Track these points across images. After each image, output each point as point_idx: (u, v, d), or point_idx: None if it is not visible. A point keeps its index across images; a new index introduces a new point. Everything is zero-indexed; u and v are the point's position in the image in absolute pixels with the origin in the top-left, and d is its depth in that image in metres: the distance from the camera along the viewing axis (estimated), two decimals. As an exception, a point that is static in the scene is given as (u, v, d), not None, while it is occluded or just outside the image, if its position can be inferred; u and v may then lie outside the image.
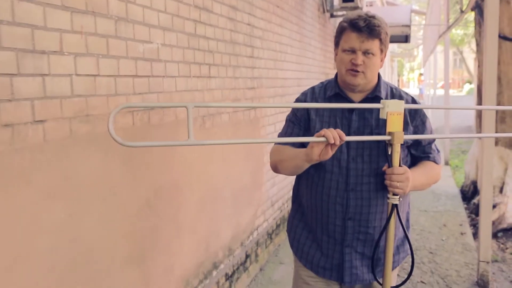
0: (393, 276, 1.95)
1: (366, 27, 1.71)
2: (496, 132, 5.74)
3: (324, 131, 1.56)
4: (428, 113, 19.30)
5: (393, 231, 1.73)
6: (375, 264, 1.88)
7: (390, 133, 1.64)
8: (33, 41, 1.67)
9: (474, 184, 6.61)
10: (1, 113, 1.55)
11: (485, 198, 3.86)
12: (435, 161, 1.94)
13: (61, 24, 1.80)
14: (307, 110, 1.91)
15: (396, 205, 1.70)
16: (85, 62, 1.93)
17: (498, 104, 5.80)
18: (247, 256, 3.80)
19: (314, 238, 1.96)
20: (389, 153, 1.67)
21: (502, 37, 5.65)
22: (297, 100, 2.03)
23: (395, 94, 1.91)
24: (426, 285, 3.92)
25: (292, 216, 2.09)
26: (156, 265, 2.50)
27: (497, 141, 5.91)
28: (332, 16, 7.09)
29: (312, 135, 1.77)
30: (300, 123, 1.93)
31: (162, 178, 2.55)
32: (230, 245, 3.50)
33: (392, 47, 23.85)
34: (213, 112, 3.11)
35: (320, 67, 6.39)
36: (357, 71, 1.76)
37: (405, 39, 8.66)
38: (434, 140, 1.96)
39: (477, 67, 6.93)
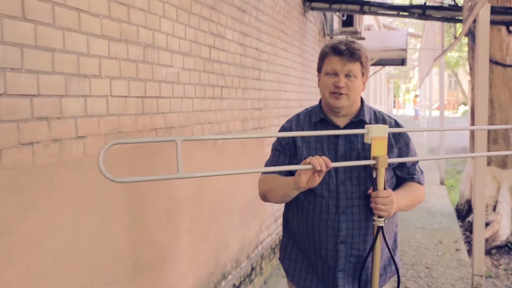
0: None
1: (347, 51, 1.78)
2: (489, 151, 6.00)
3: (310, 158, 1.61)
4: (424, 134, 19.62)
5: (379, 253, 1.77)
6: (364, 285, 1.90)
7: (374, 157, 1.68)
8: (78, 66, 1.89)
9: (469, 202, 6.83)
10: (51, 129, 1.76)
11: (478, 215, 4.07)
12: (419, 182, 1.98)
13: (100, 51, 2.03)
14: (293, 137, 1.93)
15: (381, 227, 1.74)
16: (118, 84, 2.15)
17: (491, 124, 6.06)
18: (252, 269, 3.98)
19: (309, 263, 1.96)
20: (374, 176, 1.72)
21: (494, 62, 5.94)
22: (283, 128, 2.06)
23: (378, 117, 1.95)
24: (423, 298, 4.10)
25: (285, 243, 2.08)
26: (174, 272, 2.70)
27: (490, 161, 6.16)
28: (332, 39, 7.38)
29: (299, 162, 1.78)
30: (285, 151, 1.95)
31: (180, 191, 2.75)
32: (238, 257, 3.68)
33: (389, 69, 24.27)
34: (224, 131, 3.33)
35: (320, 88, 6.65)
36: (341, 93, 1.80)
37: (402, 62, 8.97)
38: (417, 161, 1.99)
39: (471, 89, 7.22)
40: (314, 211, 1.86)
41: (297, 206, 1.93)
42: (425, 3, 5.30)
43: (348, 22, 6.82)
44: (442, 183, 9.33)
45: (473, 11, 3.95)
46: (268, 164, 2.02)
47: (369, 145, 1.74)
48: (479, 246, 4.10)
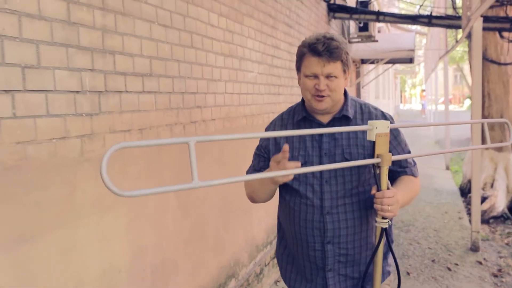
0: None
1: (326, 51, 1.68)
2: (486, 137, 7.08)
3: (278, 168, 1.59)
4: (430, 127, 20.63)
5: (381, 255, 1.70)
6: (356, 283, 1.89)
7: (379, 155, 1.59)
8: (212, 74, 3.00)
9: (470, 182, 7.90)
10: (203, 114, 2.87)
11: (475, 185, 5.17)
12: (413, 175, 1.92)
13: (220, 63, 3.13)
14: (275, 139, 1.90)
15: (385, 229, 1.66)
16: (228, 85, 3.25)
17: (488, 114, 7.14)
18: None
19: (298, 265, 1.94)
20: (378, 173, 1.63)
21: (490, 61, 7.00)
22: (266, 130, 2.01)
23: (364, 111, 1.88)
24: (431, 250, 5.20)
25: (278, 244, 2.08)
26: (254, 217, 3.80)
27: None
28: (349, 42, 8.46)
29: None
30: (264, 154, 1.92)
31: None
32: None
33: (396, 65, 25.19)
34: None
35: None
36: (323, 96, 1.73)
37: (410, 60, 10.04)
38: (409, 153, 1.93)
39: (472, 85, 8.27)
40: (300, 212, 1.83)
41: (285, 208, 1.91)
42: (431, 13, 6.37)
43: (364, 28, 7.88)
44: (447, 168, 10.42)
45: (469, 23, 5.02)
46: (249, 168, 2.02)
47: (354, 141, 1.77)
48: (476, 208, 5.20)
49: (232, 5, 3.27)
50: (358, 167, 1.75)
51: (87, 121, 1.88)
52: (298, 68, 1.81)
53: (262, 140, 1.96)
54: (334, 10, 6.65)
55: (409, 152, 1.91)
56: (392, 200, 1.61)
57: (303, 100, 1.88)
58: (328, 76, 1.71)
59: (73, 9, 1.80)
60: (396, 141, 1.86)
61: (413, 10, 15.32)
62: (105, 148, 1.97)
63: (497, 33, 6.90)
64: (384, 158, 1.57)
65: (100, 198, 1.95)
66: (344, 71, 1.75)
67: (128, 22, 2.12)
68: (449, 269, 4.71)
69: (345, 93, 1.86)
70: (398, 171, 1.89)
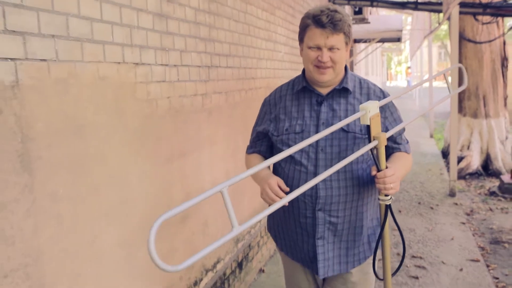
0: (367, 264, 1.96)
1: (330, 23, 1.68)
2: (464, 106, 8.31)
3: (267, 196, 1.72)
4: (416, 102, 21.90)
5: (388, 232, 1.73)
6: (352, 256, 1.91)
7: (375, 138, 1.61)
8: (264, 54, 4.08)
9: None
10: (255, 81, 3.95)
11: (453, 141, 6.36)
12: (406, 151, 1.94)
13: (264, 46, 4.20)
14: (275, 112, 1.94)
15: (389, 205, 1.71)
16: (270, 63, 4.33)
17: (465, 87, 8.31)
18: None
19: (289, 231, 1.96)
20: (375, 153, 1.65)
21: (467, 40, 8.15)
22: (265, 100, 2.05)
23: (362, 86, 1.90)
24: (418, 196, 6.43)
25: (268, 217, 2.12)
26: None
27: (465, 113, 8.42)
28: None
29: (281, 136, 1.87)
30: (265, 133, 1.99)
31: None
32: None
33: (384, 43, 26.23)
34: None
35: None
36: (325, 67, 1.74)
37: (398, 40, 11.17)
38: (404, 131, 1.97)
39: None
40: (294, 178, 1.84)
41: (279, 174, 1.91)
42: (417, 0, 7.48)
43: (358, 11, 8.96)
44: (431, 136, 11.69)
45: (448, 9, 6.14)
46: (250, 143, 2.12)
47: (351, 113, 1.80)
48: (453, 160, 6.41)
49: (269, 1, 4.34)
50: (354, 137, 1.79)
51: (203, 85, 2.96)
52: (301, 39, 1.83)
53: (261, 114, 2.05)
54: (334, -3, 7.71)
55: (404, 128, 1.97)
56: (394, 177, 1.66)
57: (303, 71, 1.91)
58: (331, 48, 1.73)
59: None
60: (392, 117, 1.90)
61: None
62: (213, 103, 3.06)
63: (472, 16, 8.04)
64: (381, 140, 1.61)
65: (211, 135, 3.06)
66: (346, 43, 1.78)
67: (220, 21, 3.19)
68: (431, 208, 5.94)
69: (345, 67, 1.89)
70: (393, 147, 1.92)
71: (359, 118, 1.67)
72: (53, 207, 1.70)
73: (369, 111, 1.55)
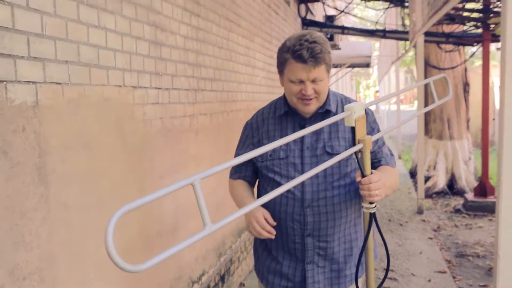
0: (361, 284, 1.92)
1: (311, 57, 1.65)
2: (430, 128, 8.76)
3: (253, 230, 1.71)
4: (384, 124, 22.62)
5: (372, 242, 1.67)
6: (344, 277, 1.89)
7: (360, 141, 1.50)
8: (250, 77, 4.33)
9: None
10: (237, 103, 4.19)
11: (420, 161, 6.73)
12: (388, 164, 1.91)
13: (244, 71, 4.45)
14: (258, 137, 1.91)
15: (374, 214, 1.60)
16: (248, 86, 4.58)
17: (431, 110, 8.78)
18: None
19: (275, 258, 1.93)
20: (360, 158, 1.55)
21: (432, 66, 8.64)
22: (247, 124, 2.00)
23: (345, 104, 1.87)
24: (388, 213, 6.73)
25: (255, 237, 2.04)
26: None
27: (431, 135, 8.87)
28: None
29: (265, 161, 1.85)
30: (248, 161, 1.92)
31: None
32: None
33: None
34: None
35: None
36: (310, 99, 1.73)
37: (367, 65, 11.68)
38: (383, 144, 1.93)
39: (418, 86, 9.95)
40: (281, 204, 1.83)
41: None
42: (385, 28, 7.94)
43: (330, 38, 9.37)
44: (399, 157, 12.16)
45: (414, 38, 6.57)
46: (233, 168, 2.02)
47: (335, 134, 1.78)
48: (421, 180, 6.76)
49: (249, 28, 4.61)
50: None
51: (191, 107, 3.17)
52: (281, 72, 1.79)
53: (243, 140, 1.99)
54: (307, 24, 8.09)
55: (383, 142, 1.94)
56: (379, 183, 1.57)
57: (284, 95, 1.87)
58: (313, 80, 1.70)
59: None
60: (373, 133, 1.84)
61: (367, 24, 17.12)
62: (199, 124, 3.27)
63: (436, 45, 8.56)
64: (366, 143, 1.51)
65: (197, 153, 3.26)
66: (328, 71, 1.75)
67: (206, 47, 3.43)
68: (401, 224, 6.25)
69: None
70: (373, 161, 1.86)
71: (344, 142, 1.77)
72: (65, 215, 1.86)
73: (354, 112, 1.46)
